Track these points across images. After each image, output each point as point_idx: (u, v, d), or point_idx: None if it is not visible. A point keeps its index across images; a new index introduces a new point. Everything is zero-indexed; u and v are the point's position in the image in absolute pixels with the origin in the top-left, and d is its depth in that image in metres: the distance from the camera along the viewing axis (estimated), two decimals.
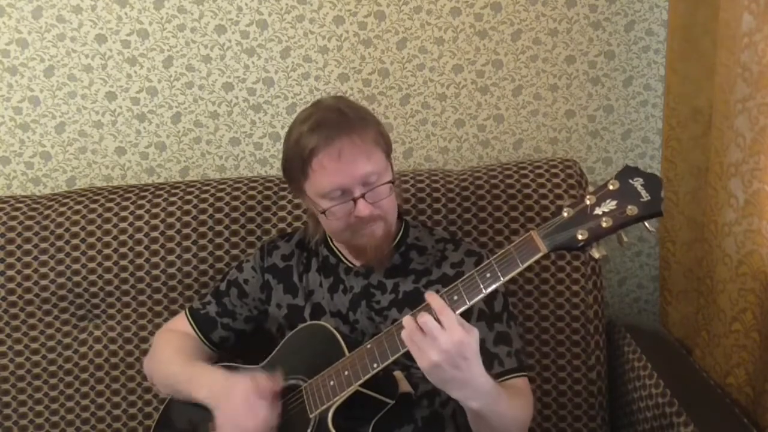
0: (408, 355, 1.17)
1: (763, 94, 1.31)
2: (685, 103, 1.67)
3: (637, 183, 1.06)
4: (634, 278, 2.01)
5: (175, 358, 1.45)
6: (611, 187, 1.07)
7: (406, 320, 1.10)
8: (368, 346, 1.20)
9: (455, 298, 1.11)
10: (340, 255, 1.45)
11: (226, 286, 1.52)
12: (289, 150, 1.33)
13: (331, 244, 1.46)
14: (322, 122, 1.28)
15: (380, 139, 1.32)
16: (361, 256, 1.40)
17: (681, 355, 1.63)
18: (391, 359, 1.17)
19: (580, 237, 1.06)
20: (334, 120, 1.28)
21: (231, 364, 1.50)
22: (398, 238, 1.44)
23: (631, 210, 1.04)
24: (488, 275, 1.11)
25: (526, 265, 1.09)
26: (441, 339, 1.06)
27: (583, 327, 1.64)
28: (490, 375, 1.17)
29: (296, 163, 1.30)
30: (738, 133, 1.37)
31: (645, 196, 1.05)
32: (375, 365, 1.19)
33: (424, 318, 1.08)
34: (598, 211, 1.06)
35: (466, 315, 1.13)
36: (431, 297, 1.10)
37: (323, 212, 1.30)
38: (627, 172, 1.07)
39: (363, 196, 1.28)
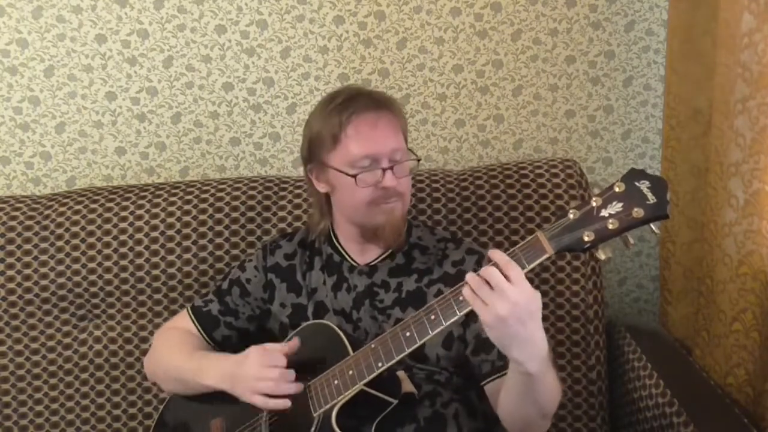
0: (412, 355, 1.17)
1: (763, 94, 1.31)
2: (685, 103, 1.67)
3: (644, 185, 1.06)
4: (634, 278, 2.01)
5: (178, 352, 1.44)
6: (617, 189, 1.07)
7: (470, 276, 1.07)
8: (373, 345, 1.20)
9: (461, 298, 1.11)
10: (344, 253, 1.45)
11: (228, 285, 1.52)
12: (316, 123, 1.37)
13: (335, 241, 1.46)
14: (356, 96, 1.35)
15: (404, 123, 1.40)
16: (376, 239, 1.39)
17: (681, 355, 1.63)
18: (397, 359, 1.17)
19: (586, 239, 1.06)
20: (367, 95, 1.37)
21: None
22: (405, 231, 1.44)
23: (638, 212, 1.05)
24: None
25: (532, 266, 1.09)
26: (510, 292, 1.04)
27: (583, 327, 1.65)
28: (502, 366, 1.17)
29: (327, 132, 1.34)
30: (738, 133, 1.37)
31: (651, 198, 1.05)
32: (380, 365, 1.19)
33: (490, 271, 1.05)
34: (604, 213, 1.06)
35: (471, 313, 1.12)
36: (494, 253, 1.08)
37: (354, 177, 1.31)
38: (633, 175, 1.08)
39: (392, 168, 1.32)
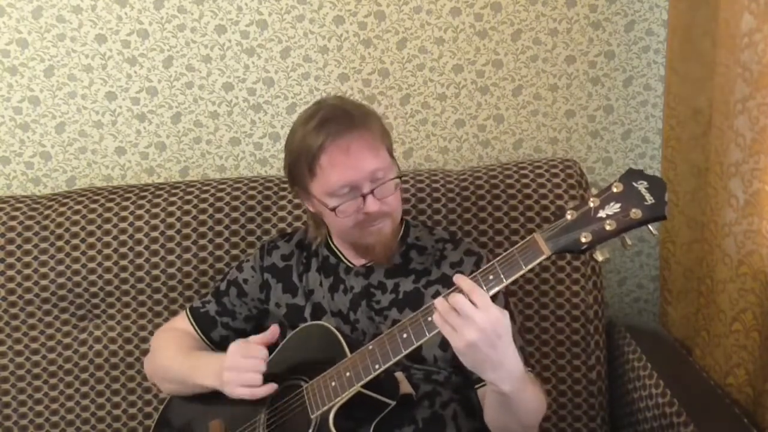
0: (409, 356, 1.17)
1: (763, 94, 1.31)
2: (685, 103, 1.67)
3: (641, 186, 1.06)
4: (634, 278, 2.01)
5: (175, 353, 1.45)
6: (615, 190, 1.06)
7: (438, 302, 1.09)
8: (370, 347, 1.20)
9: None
10: (340, 255, 1.45)
11: (225, 286, 1.52)
12: (293, 150, 1.33)
13: (331, 244, 1.46)
14: (327, 119, 1.29)
15: (384, 136, 1.34)
16: (368, 255, 1.40)
17: (681, 355, 1.63)
18: (394, 360, 1.17)
19: (583, 240, 1.06)
20: (340, 117, 1.29)
21: None
22: (399, 237, 1.44)
23: (635, 213, 1.04)
24: (491, 277, 1.11)
25: (529, 267, 1.09)
26: (477, 317, 1.05)
27: (583, 327, 1.65)
28: None
29: (303, 162, 1.31)
30: (738, 133, 1.37)
31: (649, 199, 1.05)
32: (377, 366, 1.18)
33: (457, 298, 1.07)
34: (601, 213, 1.06)
35: None
36: (460, 279, 1.09)
37: (333, 210, 1.30)
38: (631, 175, 1.07)
39: (372, 192, 1.29)
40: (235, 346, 1.31)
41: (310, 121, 1.31)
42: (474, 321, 1.06)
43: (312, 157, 1.29)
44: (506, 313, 1.09)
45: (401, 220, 1.47)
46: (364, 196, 1.29)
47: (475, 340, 1.06)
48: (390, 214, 1.34)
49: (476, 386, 1.33)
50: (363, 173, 1.28)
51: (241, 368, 1.28)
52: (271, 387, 1.26)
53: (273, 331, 1.31)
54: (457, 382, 1.36)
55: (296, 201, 1.69)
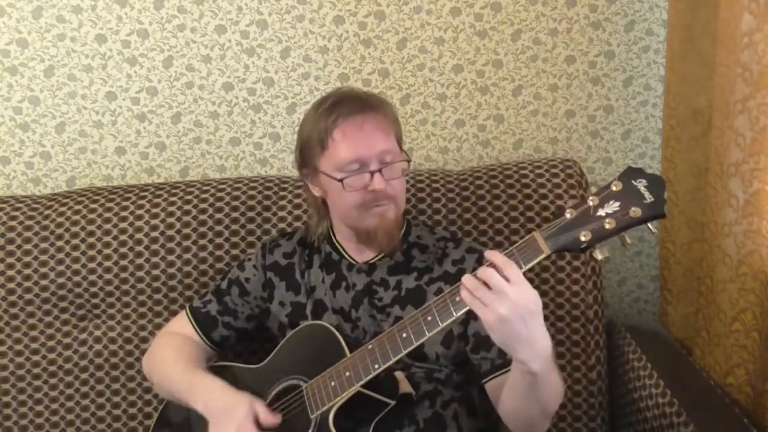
0: (411, 354, 1.17)
1: (763, 94, 1.31)
2: (685, 103, 1.67)
3: (641, 184, 1.06)
4: (634, 278, 2.01)
5: (174, 364, 1.44)
6: (614, 188, 1.06)
7: (466, 279, 1.07)
8: (369, 346, 1.20)
9: (457, 299, 1.11)
10: (343, 251, 1.45)
11: (227, 285, 1.53)
12: (305, 131, 1.37)
13: (334, 240, 1.46)
14: (342, 100, 1.35)
15: (396, 124, 1.38)
16: (369, 242, 1.39)
17: (681, 355, 1.63)
18: (393, 360, 1.17)
19: (583, 238, 1.05)
20: (353, 100, 1.35)
21: (230, 364, 1.51)
22: (401, 234, 1.44)
23: (635, 212, 1.04)
24: None
25: (528, 266, 1.08)
26: (510, 292, 1.04)
27: (583, 327, 1.65)
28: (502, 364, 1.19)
29: (315, 137, 1.34)
30: (738, 133, 1.37)
31: (648, 197, 1.04)
32: (377, 366, 1.18)
33: (489, 273, 1.05)
34: (601, 212, 1.06)
35: (469, 312, 1.12)
36: (492, 254, 1.08)
37: (341, 181, 1.32)
38: (630, 173, 1.07)
39: (380, 170, 1.31)
40: (241, 418, 1.27)
41: (323, 104, 1.36)
42: (506, 295, 1.04)
43: (325, 131, 1.32)
44: (538, 294, 1.07)
45: (404, 219, 1.47)
46: (372, 173, 1.31)
47: (507, 314, 1.03)
48: (394, 199, 1.35)
49: (485, 380, 1.33)
50: (373, 151, 1.31)
51: None
52: None
53: (277, 419, 1.29)
54: (458, 380, 1.37)
55: (296, 201, 1.70)
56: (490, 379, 1.32)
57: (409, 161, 1.38)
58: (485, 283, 1.05)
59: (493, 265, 1.07)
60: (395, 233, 1.39)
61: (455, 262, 1.41)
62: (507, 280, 1.05)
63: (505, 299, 1.04)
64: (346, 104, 1.33)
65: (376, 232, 1.36)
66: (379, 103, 1.37)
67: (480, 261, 1.40)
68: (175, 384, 1.42)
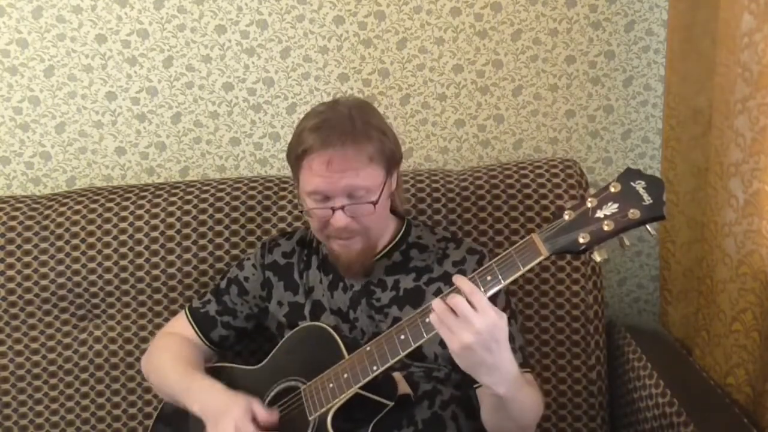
0: (409, 354, 1.17)
1: (763, 94, 1.31)
2: (685, 103, 1.67)
3: (639, 186, 1.05)
4: (634, 278, 2.01)
5: (172, 367, 1.44)
6: (613, 190, 1.06)
7: (436, 303, 1.09)
8: (368, 348, 1.20)
9: (427, 320, 1.12)
10: None
11: (226, 284, 1.53)
12: (292, 139, 1.35)
13: None
14: (325, 125, 1.28)
15: (379, 156, 1.30)
16: (335, 263, 1.40)
17: (681, 355, 1.63)
18: (392, 362, 1.17)
19: (581, 240, 1.05)
20: (338, 126, 1.28)
21: (229, 365, 1.51)
22: (398, 238, 1.44)
23: (633, 213, 1.03)
24: (489, 278, 1.10)
25: (527, 268, 1.08)
26: (474, 320, 1.05)
27: (583, 327, 1.65)
28: None
29: (293, 155, 1.33)
30: (738, 133, 1.37)
31: (647, 199, 1.04)
32: (375, 368, 1.18)
33: (456, 300, 1.07)
34: (599, 214, 1.05)
35: None
36: (460, 280, 1.09)
37: (303, 211, 1.33)
38: (629, 175, 1.07)
39: (343, 208, 1.28)
40: (238, 416, 1.25)
41: (315, 118, 1.31)
42: (471, 323, 1.05)
43: (299, 155, 1.30)
44: (504, 317, 1.08)
45: (403, 221, 1.47)
46: (333, 210, 1.29)
47: (471, 343, 1.06)
48: (361, 233, 1.33)
49: (474, 386, 1.33)
50: (336, 188, 1.27)
51: None
52: None
53: (275, 416, 1.28)
54: (457, 379, 1.36)
55: (296, 201, 1.69)
56: (478, 386, 1.32)
57: (375, 203, 1.29)
58: (452, 310, 1.07)
59: (460, 291, 1.08)
60: (363, 261, 1.37)
61: (456, 263, 1.41)
62: (473, 306, 1.06)
63: (470, 327, 1.06)
64: (324, 132, 1.27)
65: (339, 257, 1.37)
66: (364, 134, 1.28)
67: (481, 262, 1.40)
68: (172, 386, 1.42)
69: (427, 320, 1.13)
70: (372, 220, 1.33)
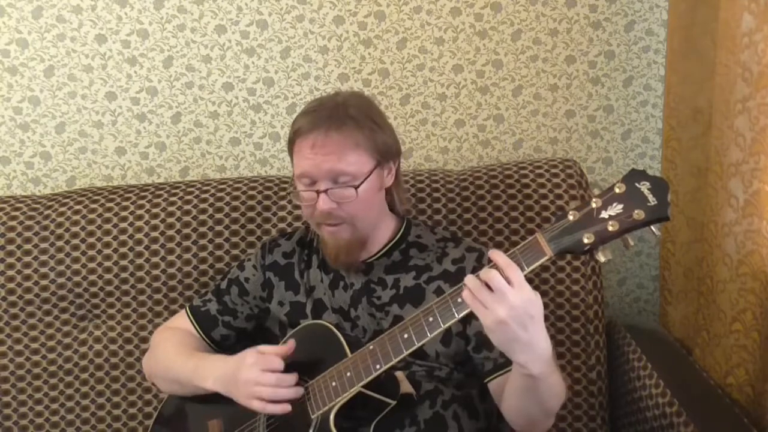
0: (411, 353, 1.17)
1: (763, 94, 1.31)
2: (685, 103, 1.67)
3: (644, 187, 1.05)
4: (634, 278, 2.01)
5: (176, 353, 1.44)
6: (617, 191, 1.06)
7: (469, 278, 1.07)
8: (371, 347, 1.20)
9: (459, 300, 1.11)
10: None
11: (227, 285, 1.53)
12: (292, 125, 1.38)
13: None
14: (316, 109, 1.33)
15: (368, 144, 1.31)
16: (324, 253, 1.40)
17: (681, 355, 1.63)
18: (395, 361, 1.17)
19: (586, 241, 1.05)
20: (327, 111, 1.31)
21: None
22: (398, 237, 1.44)
23: (638, 214, 1.03)
24: None
25: (531, 268, 1.08)
26: (510, 294, 1.03)
27: (583, 327, 1.65)
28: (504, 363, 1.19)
29: (289, 140, 1.36)
30: (738, 133, 1.37)
31: (652, 200, 1.04)
32: (378, 366, 1.18)
33: (491, 274, 1.05)
34: (604, 214, 1.05)
35: (470, 313, 1.12)
36: (496, 254, 1.07)
37: (292, 192, 1.34)
38: (633, 176, 1.06)
39: (327, 191, 1.29)
40: (253, 358, 1.27)
41: (311, 104, 1.36)
42: (506, 297, 1.03)
43: (292, 137, 1.34)
44: (539, 295, 1.06)
45: (402, 220, 1.47)
46: (318, 193, 1.30)
47: (505, 318, 1.03)
48: (348, 221, 1.33)
49: (487, 379, 1.33)
50: (320, 171, 1.29)
51: (261, 382, 1.24)
52: (285, 407, 1.24)
53: (290, 345, 1.28)
54: (459, 378, 1.36)
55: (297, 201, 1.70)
56: (493, 379, 1.32)
57: (356, 188, 1.29)
58: (487, 285, 1.05)
59: (495, 266, 1.06)
60: (352, 253, 1.37)
61: (455, 261, 1.41)
62: (509, 282, 1.05)
63: (505, 302, 1.04)
64: (313, 116, 1.31)
65: (327, 245, 1.37)
66: (353, 121, 1.30)
67: (480, 260, 1.40)
68: (180, 373, 1.41)
69: (430, 319, 1.13)
70: (356, 208, 1.32)
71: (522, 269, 1.07)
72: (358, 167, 1.30)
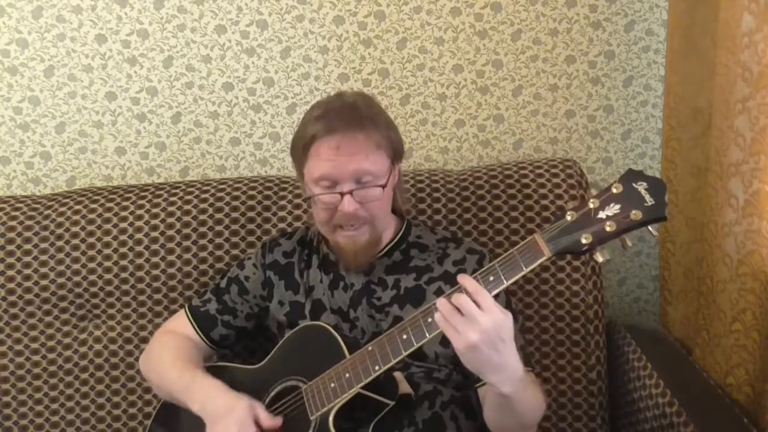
0: (410, 354, 1.17)
1: (763, 94, 1.31)
2: (685, 103, 1.67)
3: (641, 187, 1.06)
4: (634, 278, 2.01)
5: (171, 365, 1.44)
6: (615, 191, 1.06)
7: (441, 302, 1.08)
8: (369, 348, 1.20)
9: (429, 320, 1.12)
10: None
11: (226, 284, 1.53)
12: (296, 132, 1.36)
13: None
14: (330, 112, 1.31)
15: (386, 143, 1.32)
16: (340, 256, 1.40)
17: (681, 355, 1.63)
18: (394, 362, 1.17)
19: (584, 241, 1.05)
20: (343, 113, 1.30)
21: (229, 364, 1.51)
22: (398, 237, 1.44)
23: (636, 214, 1.04)
24: (491, 278, 1.10)
25: (529, 269, 1.08)
26: (480, 319, 1.05)
27: (583, 327, 1.65)
28: None
29: (299, 145, 1.33)
30: (738, 133, 1.37)
31: (649, 200, 1.05)
32: (377, 367, 1.18)
33: (461, 299, 1.06)
34: (601, 214, 1.06)
35: None
36: (464, 279, 1.09)
37: (310, 198, 1.32)
38: (631, 176, 1.07)
39: (351, 192, 1.28)
40: (241, 416, 1.26)
41: (318, 108, 1.33)
42: (477, 322, 1.05)
43: (306, 143, 1.31)
44: (509, 316, 1.08)
45: (403, 221, 1.47)
46: (342, 195, 1.29)
47: (477, 342, 1.05)
48: (369, 221, 1.33)
49: (476, 386, 1.34)
50: (345, 172, 1.28)
51: None
52: None
53: (279, 421, 1.28)
54: (458, 380, 1.37)
55: (296, 201, 1.70)
56: (482, 384, 1.32)
57: (383, 186, 1.31)
58: (458, 309, 1.07)
59: (465, 290, 1.08)
60: (367, 254, 1.37)
61: (456, 262, 1.41)
62: (478, 306, 1.06)
63: (476, 326, 1.05)
64: (331, 118, 1.29)
65: (344, 249, 1.36)
66: (370, 120, 1.31)
67: (481, 262, 1.40)
68: (172, 384, 1.41)
69: (429, 320, 1.13)
70: (379, 208, 1.33)
71: (521, 269, 1.08)
72: (380, 166, 1.31)
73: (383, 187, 1.30)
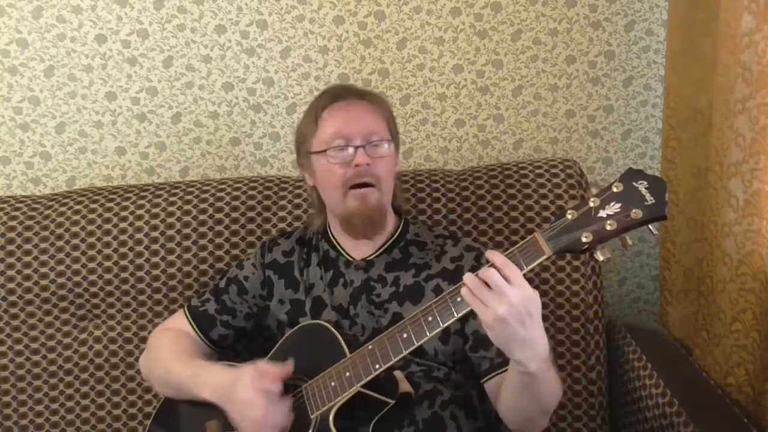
0: (411, 352, 1.17)
1: (763, 94, 1.31)
2: (685, 103, 1.67)
3: (642, 186, 1.06)
4: (634, 278, 2.01)
5: (174, 358, 1.44)
6: (615, 190, 1.06)
7: (468, 276, 1.08)
8: (370, 347, 1.20)
9: (458, 299, 1.11)
10: (340, 248, 1.45)
11: (225, 284, 1.53)
12: (303, 118, 1.45)
13: (331, 237, 1.47)
14: (336, 89, 1.45)
15: (388, 121, 1.42)
16: (351, 227, 1.39)
17: (681, 355, 1.63)
18: (394, 360, 1.17)
19: (584, 240, 1.06)
20: (348, 89, 1.45)
21: (229, 363, 1.50)
22: (397, 234, 1.44)
23: (636, 213, 1.04)
24: None
25: (530, 267, 1.08)
26: (509, 293, 1.04)
27: (583, 327, 1.65)
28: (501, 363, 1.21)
29: (308, 122, 1.41)
30: (738, 133, 1.37)
31: (649, 199, 1.05)
32: (377, 366, 1.19)
33: (490, 272, 1.06)
34: (602, 213, 1.06)
35: (469, 311, 1.12)
36: (493, 254, 1.08)
37: (324, 150, 1.36)
38: (631, 175, 1.07)
39: (363, 146, 1.35)
40: (249, 378, 1.26)
41: (323, 93, 1.45)
42: (506, 295, 1.04)
43: (317, 113, 1.39)
44: (537, 293, 1.07)
45: (401, 218, 1.47)
46: (355, 148, 1.35)
47: (505, 315, 1.04)
48: (379, 181, 1.36)
49: (484, 379, 1.33)
50: (357, 128, 1.36)
51: (254, 404, 1.24)
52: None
53: (289, 366, 1.28)
54: (457, 379, 1.37)
55: (296, 201, 1.70)
56: (489, 379, 1.32)
57: (391, 143, 1.40)
58: (486, 283, 1.06)
59: (493, 265, 1.07)
60: (380, 220, 1.40)
61: (453, 259, 1.41)
62: (507, 280, 1.05)
63: (504, 300, 1.04)
64: (337, 92, 1.42)
65: (356, 215, 1.37)
66: (372, 94, 1.44)
67: (478, 259, 1.41)
68: (177, 377, 1.41)
69: (429, 318, 1.13)
70: (386, 171, 1.38)
71: (521, 268, 1.08)
72: (385, 132, 1.40)
73: (391, 143, 1.39)
